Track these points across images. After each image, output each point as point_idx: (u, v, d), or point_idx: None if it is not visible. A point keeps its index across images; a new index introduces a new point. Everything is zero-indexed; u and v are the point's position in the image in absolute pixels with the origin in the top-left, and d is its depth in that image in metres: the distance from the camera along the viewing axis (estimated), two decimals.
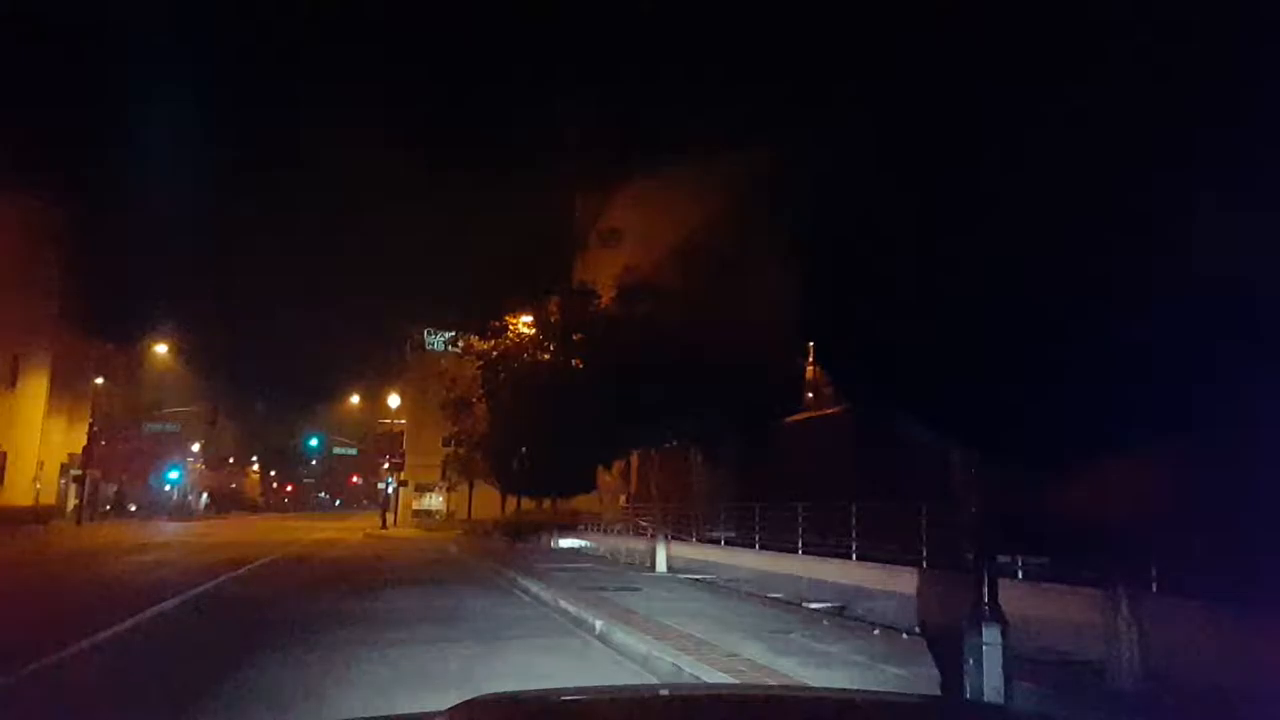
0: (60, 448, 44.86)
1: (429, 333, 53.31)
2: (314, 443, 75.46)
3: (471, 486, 40.03)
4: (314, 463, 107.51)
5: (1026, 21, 4.49)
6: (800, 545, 14.49)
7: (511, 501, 32.91)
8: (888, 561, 12.01)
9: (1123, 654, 6.35)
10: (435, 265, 58.92)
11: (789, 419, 18.62)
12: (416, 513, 53.23)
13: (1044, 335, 4.44)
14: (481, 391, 26.96)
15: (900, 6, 5.44)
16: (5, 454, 38.46)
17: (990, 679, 5.09)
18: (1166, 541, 7.09)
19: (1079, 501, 5.57)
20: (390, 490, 51.19)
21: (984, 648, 5.12)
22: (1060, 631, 7.62)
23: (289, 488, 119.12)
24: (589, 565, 18.18)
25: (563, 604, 10.94)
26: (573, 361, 20.05)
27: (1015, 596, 6.63)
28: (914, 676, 6.63)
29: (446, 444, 41.28)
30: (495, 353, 25.49)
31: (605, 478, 25.20)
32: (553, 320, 21.64)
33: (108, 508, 52.19)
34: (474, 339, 29.14)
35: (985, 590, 5.22)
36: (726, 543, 17.75)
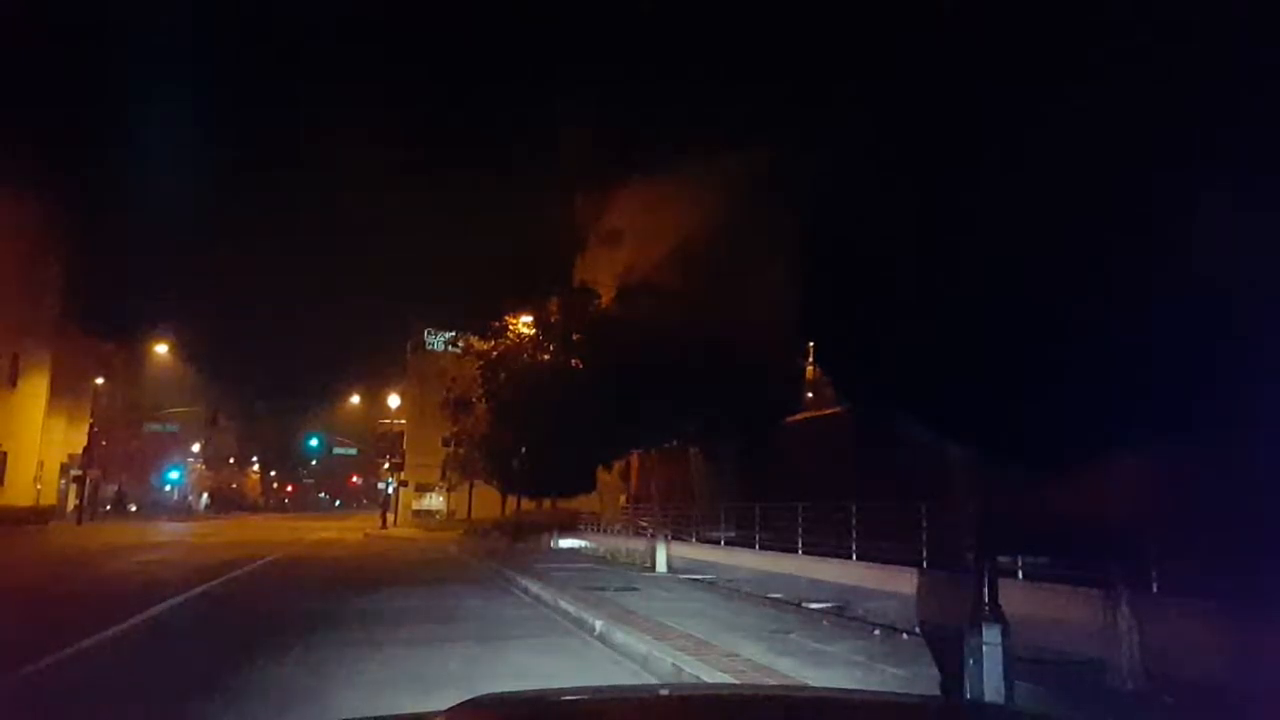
0: (60, 448, 44.88)
1: (429, 333, 53.31)
2: (314, 443, 75.42)
3: (471, 486, 40.03)
4: (314, 463, 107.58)
5: (1026, 21, 4.49)
6: (800, 545, 14.49)
7: (511, 501, 32.89)
8: (887, 561, 12.01)
9: (1123, 654, 6.35)
10: (435, 265, 59.04)
11: (789, 419, 18.62)
12: (416, 513, 53.23)
13: (1044, 335, 4.44)
14: (481, 391, 26.95)
15: (900, 6, 5.44)
16: (5, 454, 38.47)
17: (990, 679, 5.08)
18: (1166, 541, 7.09)
19: (1079, 501, 5.58)
20: (390, 490, 51.20)
21: (984, 648, 5.12)
22: (1060, 631, 7.61)
23: (289, 488, 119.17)
24: (589, 565, 18.18)
25: (562, 604, 10.93)
26: (573, 361, 20.06)
27: (1015, 596, 6.61)
28: (914, 676, 6.62)
29: (446, 444, 41.24)
30: (495, 353, 25.50)
31: (605, 478, 25.20)
32: (553, 320, 21.65)
33: (108, 508, 52.21)
34: (474, 339, 29.17)
35: (985, 590, 5.22)
36: (726, 543, 17.75)
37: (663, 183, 21.49)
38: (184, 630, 9.44)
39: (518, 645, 8.34)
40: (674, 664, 7.00)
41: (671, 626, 8.84)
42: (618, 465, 23.73)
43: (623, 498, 27.82)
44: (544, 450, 22.01)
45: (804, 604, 11.23)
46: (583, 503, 28.46)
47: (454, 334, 45.07)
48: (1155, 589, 7.24)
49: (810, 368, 19.08)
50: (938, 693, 6.03)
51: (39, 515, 38.34)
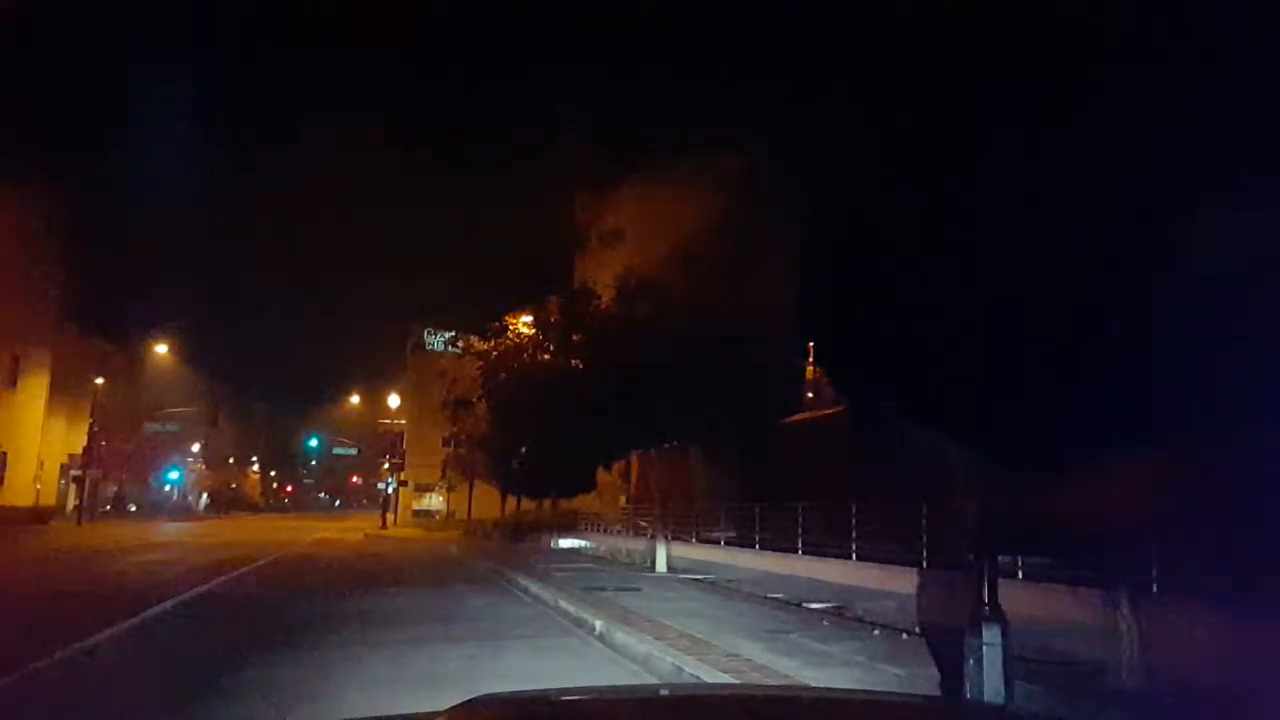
0: (60, 448, 44.88)
1: (429, 333, 53.38)
2: (314, 443, 75.55)
3: (471, 486, 40.06)
4: (314, 463, 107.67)
5: (1026, 21, 4.49)
6: (800, 545, 14.49)
7: (511, 501, 32.91)
8: (887, 561, 12.00)
9: (1123, 654, 6.34)
10: (435, 265, 59.13)
11: (789, 419, 18.64)
12: (416, 513, 53.27)
13: (1044, 335, 4.44)
14: (481, 391, 26.97)
15: (900, 6, 5.44)
16: (5, 454, 38.50)
17: (990, 679, 5.08)
18: (1166, 541, 7.09)
19: (1079, 501, 5.57)
20: (390, 490, 51.21)
21: (984, 648, 5.11)
22: (1060, 631, 7.61)
23: (289, 488, 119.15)
24: (589, 565, 18.17)
25: (563, 604, 10.93)
26: (573, 362, 20.07)
27: (1015, 596, 6.61)
28: (914, 676, 6.62)
29: (446, 444, 41.31)
30: (495, 353, 25.51)
31: (605, 478, 25.23)
32: (553, 321, 21.66)
33: (107, 508, 52.21)
34: (474, 339, 29.19)
35: (985, 590, 5.21)
36: (726, 543, 17.74)
37: (662, 183, 21.50)
38: (184, 630, 9.44)
39: (518, 645, 8.34)
40: (674, 664, 7.00)
41: (671, 626, 8.84)
42: (618, 465, 23.76)
43: (623, 498, 27.82)
44: (544, 450, 22.05)
45: (804, 604, 11.22)
46: (583, 503, 28.47)
47: (454, 334, 45.12)
48: (1155, 589, 7.24)
49: (810, 368, 19.10)
50: (938, 693, 6.03)
51: (39, 515, 38.35)
